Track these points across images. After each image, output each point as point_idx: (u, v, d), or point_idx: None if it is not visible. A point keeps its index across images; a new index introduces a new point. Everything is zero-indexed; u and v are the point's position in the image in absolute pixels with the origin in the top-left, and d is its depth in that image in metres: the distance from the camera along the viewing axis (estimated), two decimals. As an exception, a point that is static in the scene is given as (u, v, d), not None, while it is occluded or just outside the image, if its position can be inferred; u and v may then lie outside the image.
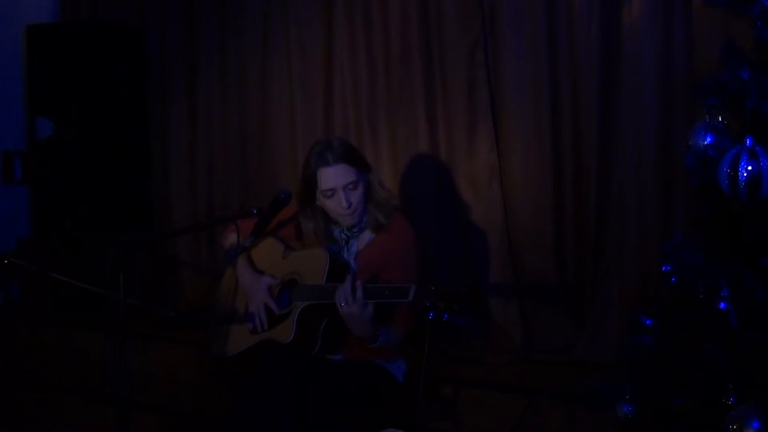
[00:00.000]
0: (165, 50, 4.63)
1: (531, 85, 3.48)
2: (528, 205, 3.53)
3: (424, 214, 3.66)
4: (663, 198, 3.23)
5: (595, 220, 3.39)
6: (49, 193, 4.72)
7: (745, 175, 2.08)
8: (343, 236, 2.73)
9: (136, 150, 4.73)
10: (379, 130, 3.85)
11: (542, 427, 2.95)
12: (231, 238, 2.88)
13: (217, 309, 2.87)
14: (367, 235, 2.71)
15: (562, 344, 3.42)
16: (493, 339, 3.52)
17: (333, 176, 2.59)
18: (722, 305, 2.17)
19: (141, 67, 4.73)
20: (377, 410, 2.57)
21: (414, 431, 2.55)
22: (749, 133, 2.12)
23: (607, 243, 3.35)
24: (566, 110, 3.44)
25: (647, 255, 3.22)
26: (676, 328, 2.34)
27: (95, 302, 3.48)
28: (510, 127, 3.56)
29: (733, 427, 2.09)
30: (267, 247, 2.79)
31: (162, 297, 4.56)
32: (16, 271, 2.57)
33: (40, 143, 4.79)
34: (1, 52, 4.87)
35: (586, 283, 3.46)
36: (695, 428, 2.28)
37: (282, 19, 4.17)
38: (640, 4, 3.20)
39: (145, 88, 4.73)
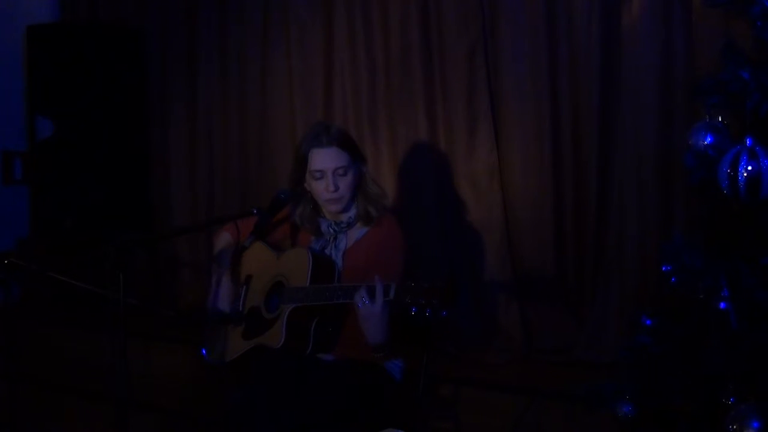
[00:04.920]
0: (165, 50, 4.63)
1: (531, 85, 3.48)
2: (528, 205, 3.53)
3: (424, 214, 3.67)
4: (663, 198, 3.23)
5: (595, 220, 3.39)
6: (49, 193, 4.71)
7: (744, 175, 2.08)
8: (331, 230, 2.70)
9: (136, 150, 4.72)
10: (379, 130, 3.85)
11: (542, 427, 2.96)
12: (223, 239, 2.87)
13: (215, 310, 2.86)
14: (355, 232, 2.69)
15: (562, 344, 3.43)
16: (493, 339, 3.52)
17: (324, 158, 2.59)
18: (722, 305, 2.17)
19: (141, 67, 4.72)
20: (376, 410, 2.57)
21: (414, 431, 2.55)
22: (749, 133, 2.12)
23: (607, 243, 3.34)
24: (566, 110, 3.44)
25: (647, 255, 3.22)
26: (676, 328, 2.34)
27: (95, 302, 3.48)
28: (510, 127, 3.56)
29: (733, 427, 2.09)
30: (255, 252, 2.78)
31: (162, 297, 4.56)
32: (16, 271, 2.57)
33: (40, 143, 4.78)
34: (1, 52, 4.86)
35: (586, 283, 3.46)
36: (695, 428, 2.29)
37: (282, 19, 4.17)
38: (640, 5, 3.20)
39: (145, 88, 4.72)
